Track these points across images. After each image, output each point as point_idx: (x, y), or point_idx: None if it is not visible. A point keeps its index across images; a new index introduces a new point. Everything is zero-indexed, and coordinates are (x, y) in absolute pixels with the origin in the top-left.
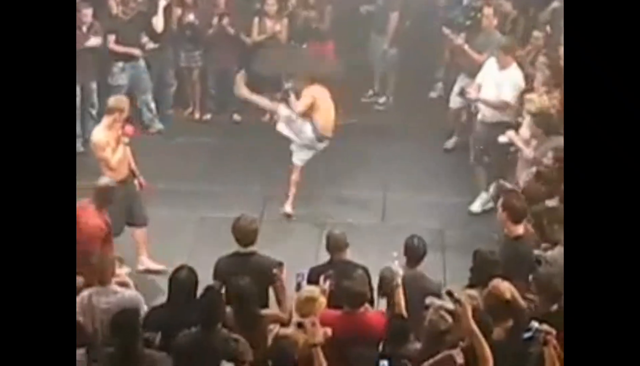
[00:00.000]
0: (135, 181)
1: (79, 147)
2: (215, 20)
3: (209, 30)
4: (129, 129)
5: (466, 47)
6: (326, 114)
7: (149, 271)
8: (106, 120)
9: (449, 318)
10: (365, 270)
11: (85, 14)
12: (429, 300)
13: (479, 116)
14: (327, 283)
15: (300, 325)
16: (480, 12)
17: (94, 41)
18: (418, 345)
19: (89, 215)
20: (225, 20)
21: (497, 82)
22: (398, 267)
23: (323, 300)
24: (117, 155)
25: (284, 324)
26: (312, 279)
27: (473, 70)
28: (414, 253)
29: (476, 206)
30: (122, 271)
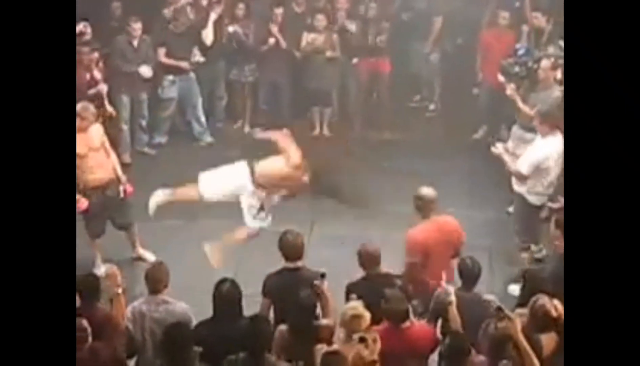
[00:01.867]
0: (121, 187)
1: (127, 158)
2: (267, 34)
3: (260, 44)
4: (128, 188)
5: (517, 98)
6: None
7: (140, 259)
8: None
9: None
10: (403, 281)
11: (135, 28)
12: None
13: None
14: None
15: (362, 340)
16: (537, 64)
17: (144, 71)
18: (482, 358)
19: None
20: (278, 34)
21: (523, 142)
22: (450, 286)
23: (368, 316)
24: (90, 161)
25: (329, 340)
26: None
27: (524, 121)
28: (469, 275)
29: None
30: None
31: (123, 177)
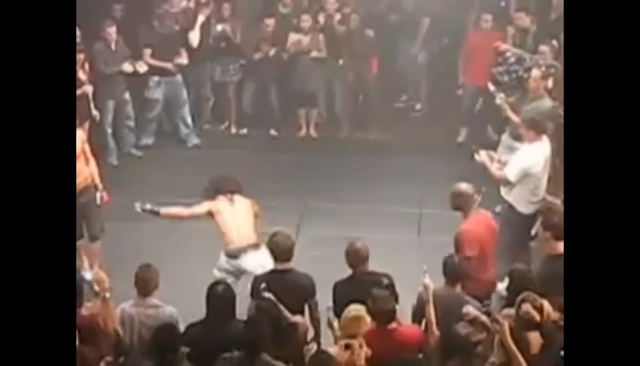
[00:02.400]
0: (98, 195)
1: (113, 160)
2: (257, 41)
3: (252, 51)
4: (105, 196)
5: (506, 107)
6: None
7: None
8: None
9: (482, 331)
10: (389, 279)
11: (110, 32)
12: (465, 309)
13: None
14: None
15: (347, 347)
16: (528, 73)
17: (125, 67)
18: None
19: None
20: (269, 45)
21: (512, 151)
22: (429, 281)
23: (369, 319)
24: None
25: (319, 342)
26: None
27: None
28: (452, 273)
29: None
30: None
31: (100, 185)
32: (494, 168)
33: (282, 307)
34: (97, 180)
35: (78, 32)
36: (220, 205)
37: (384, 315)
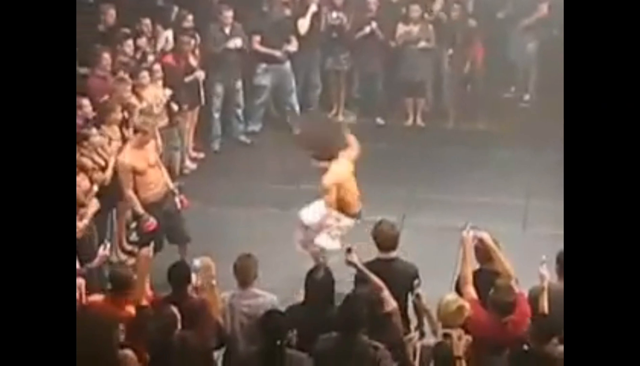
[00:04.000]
0: (176, 199)
1: (215, 146)
2: (364, 22)
3: (357, 34)
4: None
5: None
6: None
7: None
8: (133, 140)
9: None
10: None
11: (226, 16)
12: None
13: None
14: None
15: (446, 336)
16: None
17: (234, 43)
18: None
19: None
20: (374, 25)
21: None
22: (546, 270)
23: (469, 309)
24: (149, 178)
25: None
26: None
27: None
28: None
29: None
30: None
31: (176, 190)
32: None
33: (385, 293)
34: (172, 186)
35: (190, 18)
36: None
37: (503, 307)
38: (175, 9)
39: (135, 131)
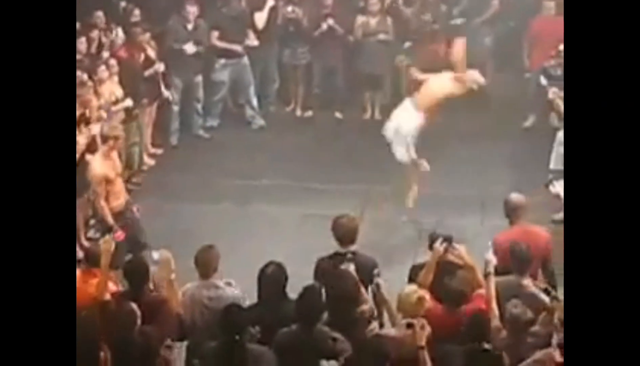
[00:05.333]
0: (135, 208)
1: (174, 141)
2: (321, 18)
3: (315, 29)
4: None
5: (559, 103)
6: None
7: None
8: (102, 149)
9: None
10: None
11: (190, 12)
12: (525, 282)
13: None
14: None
15: (409, 326)
16: None
17: (191, 48)
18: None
19: None
20: (331, 22)
21: None
22: (492, 256)
23: (429, 301)
24: (116, 187)
25: (381, 322)
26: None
27: None
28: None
29: None
30: None
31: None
32: None
33: (361, 287)
34: (127, 196)
35: (138, 13)
36: None
37: (455, 296)
38: (123, 3)
39: (104, 140)
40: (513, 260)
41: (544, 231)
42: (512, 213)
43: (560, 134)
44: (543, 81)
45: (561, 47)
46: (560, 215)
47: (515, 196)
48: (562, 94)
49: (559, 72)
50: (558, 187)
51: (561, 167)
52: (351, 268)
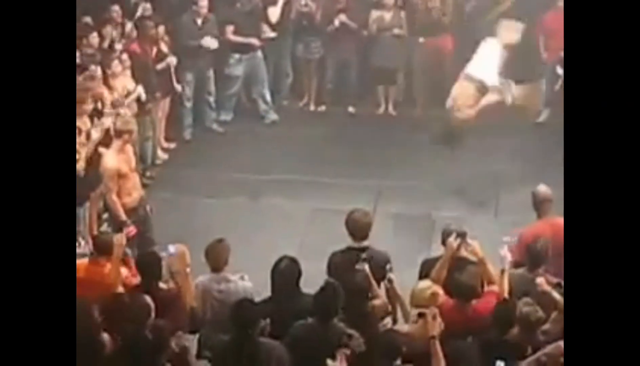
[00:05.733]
0: (148, 207)
1: (187, 136)
2: (335, 13)
3: (328, 23)
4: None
5: None
6: None
7: None
8: (115, 144)
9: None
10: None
11: (201, 6)
12: (538, 280)
13: None
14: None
15: (420, 315)
16: None
17: (207, 42)
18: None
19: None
20: (343, 17)
21: None
22: (507, 252)
23: (442, 295)
24: (129, 182)
25: (395, 318)
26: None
27: None
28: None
29: None
30: None
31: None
32: None
33: (372, 282)
34: (142, 192)
35: (149, 7)
36: None
37: (466, 290)
38: None
39: (118, 135)
40: (527, 256)
41: None
42: (539, 205)
43: None
44: (559, 70)
45: None
46: None
47: (543, 188)
48: None
49: None
50: None
51: None
52: (365, 267)
